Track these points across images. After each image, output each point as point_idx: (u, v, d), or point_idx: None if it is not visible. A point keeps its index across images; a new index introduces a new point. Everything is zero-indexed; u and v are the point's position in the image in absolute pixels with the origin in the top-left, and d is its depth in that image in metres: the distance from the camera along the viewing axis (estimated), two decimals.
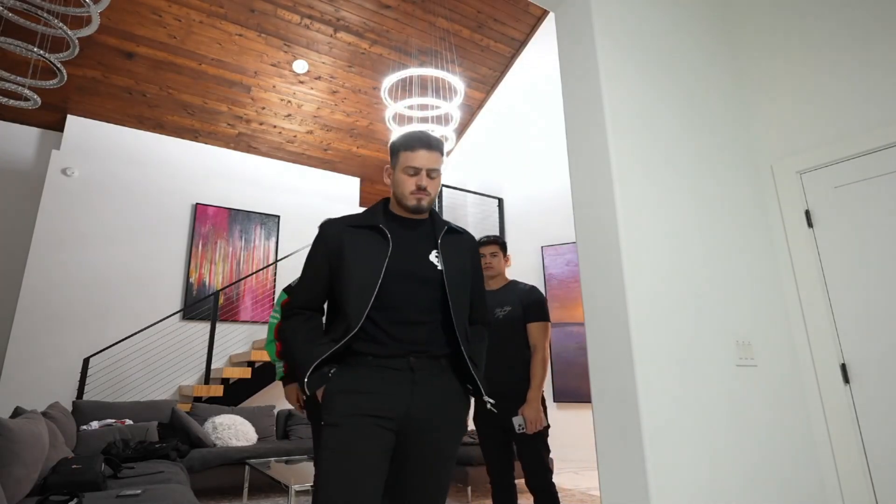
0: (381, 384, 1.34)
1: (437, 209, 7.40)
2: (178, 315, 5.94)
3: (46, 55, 3.48)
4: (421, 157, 1.44)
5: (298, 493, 4.05)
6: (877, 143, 2.11)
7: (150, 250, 5.95)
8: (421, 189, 1.44)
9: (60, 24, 3.31)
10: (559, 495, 2.21)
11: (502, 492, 2.24)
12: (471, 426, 6.91)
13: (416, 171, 1.44)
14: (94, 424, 4.06)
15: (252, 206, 6.75)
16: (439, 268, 1.44)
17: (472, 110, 7.75)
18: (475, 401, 1.56)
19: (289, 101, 6.72)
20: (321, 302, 1.48)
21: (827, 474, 2.09)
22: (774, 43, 2.52)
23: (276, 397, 6.26)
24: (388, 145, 1.53)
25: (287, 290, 2.61)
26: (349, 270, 1.38)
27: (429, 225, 1.52)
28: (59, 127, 6.12)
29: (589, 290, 1.81)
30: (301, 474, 3.19)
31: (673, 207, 1.96)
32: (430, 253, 1.47)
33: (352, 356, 1.36)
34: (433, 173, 1.46)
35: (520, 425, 2.14)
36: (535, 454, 2.17)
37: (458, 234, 1.55)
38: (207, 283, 6.19)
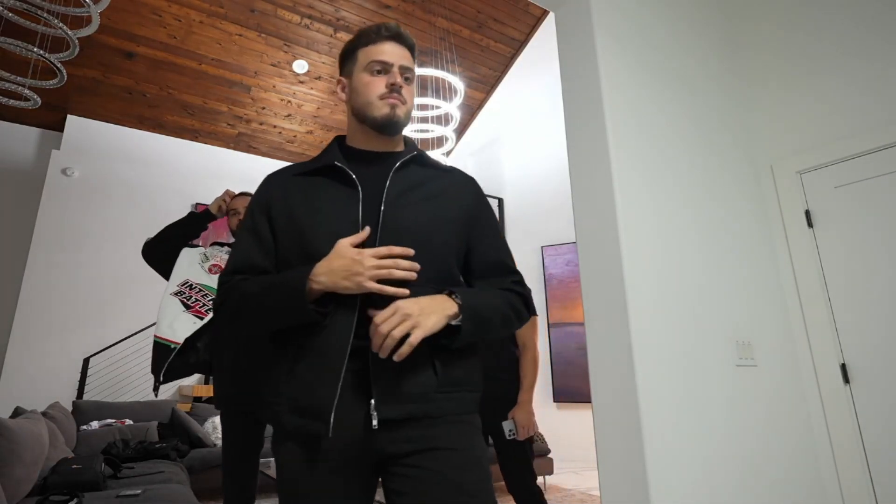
0: None
1: None
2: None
3: (46, 55, 3.48)
4: (389, 51, 1.05)
5: None
6: (877, 142, 2.11)
7: None
8: (394, 90, 1.03)
9: (60, 24, 3.31)
10: (559, 495, 2.16)
11: None
12: None
13: (385, 68, 1.04)
14: (94, 424, 4.06)
15: None
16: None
17: (472, 110, 7.75)
18: None
19: (289, 101, 6.72)
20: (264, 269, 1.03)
21: (827, 474, 2.09)
22: (775, 42, 2.52)
23: None
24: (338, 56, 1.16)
25: (190, 222, 2.36)
26: (305, 235, 0.98)
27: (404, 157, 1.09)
28: (59, 127, 6.12)
29: (589, 290, 1.81)
30: None
31: (673, 207, 1.96)
32: None
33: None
34: (408, 74, 1.06)
35: (510, 431, 1.96)
36: (524, 464, 2.00)
37: (438, 171, 1.12)
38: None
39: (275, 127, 6.95)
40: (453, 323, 0.93)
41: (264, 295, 0.96)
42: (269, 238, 1.02)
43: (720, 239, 2.10)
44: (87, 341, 5.41)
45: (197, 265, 2.19)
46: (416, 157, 1.10)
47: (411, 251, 0.94)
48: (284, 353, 0.98)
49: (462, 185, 1.12)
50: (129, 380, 5.52)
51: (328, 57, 6.40)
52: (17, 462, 2.05)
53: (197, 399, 5.20)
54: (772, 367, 2.09)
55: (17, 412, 3.03)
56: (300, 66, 6.38)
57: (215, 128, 6.71)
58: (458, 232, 1.06)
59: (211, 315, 2.05)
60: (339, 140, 1.14)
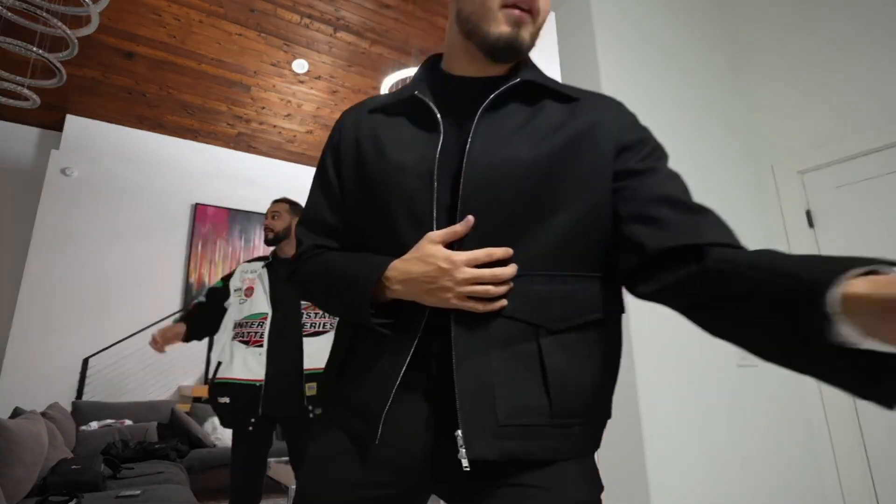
0: None
1: None
2: (177, 315, 5.93)
3: (46, 55, 3.48)
4: None
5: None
6: (879, 142, 2.10)
7: (150, 250, 5.94)
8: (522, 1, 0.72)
9: (60, 24, 3.31)
10: None
11: None
12: None
13: None
14: (94, 425, 4.06)
15: (252, 206, 6.74)
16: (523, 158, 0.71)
17: None
18: None
19: (289, 101, 6.71)
20: (337, 236, 0.85)
21: (828, 475, 2.08)
22: (776, 42, 2.51)
23: None
24: None
25: (223, 279, 2.33)
26: (372, 195, 0.77)
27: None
28: (58, 127, 6.12)
29: None
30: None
31: None
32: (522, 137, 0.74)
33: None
34: None
35: None
36: None
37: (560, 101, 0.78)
38: (207, 284, 6.18)
39: (274, 127, 6.94)
40: None
41: (327, 289, 0.79)
42: (337, 191, 0.83)
43: None
44: (86, 341, 5.40)
45: (236, 306, 2.22)
46: (528, 84, 0.77)
47: (510, 251, 0.68)
48: (344, 332, 0.82)
49: (601, 120, 0.75)
50: (129, 380, 5.51)
51: (328, 56, 6.39)
52: (16, 462, 2.04)
53: (196, 399, 5.20)
54: (772, 368, 2.08)
55: (17, 412, 3.02)
56: (300, 65, 6.37)
57: (215, 127, 6.71)
58: (595, 194, 0.72)
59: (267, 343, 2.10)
60: (435, 61, 0.87)
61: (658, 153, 0.78)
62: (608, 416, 0.75)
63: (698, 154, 2.16)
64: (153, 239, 5.99)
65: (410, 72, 4.82)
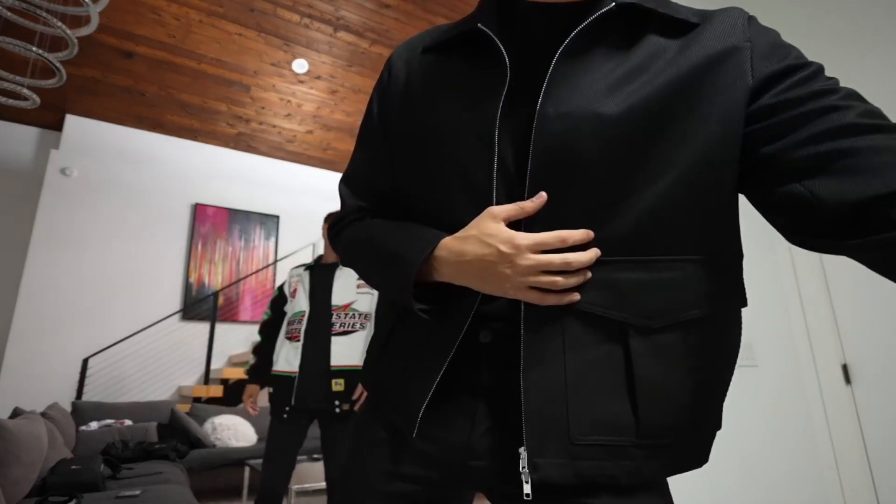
0: None
1: None
2: (177, 315, 5.93)
3: (45, 55, 3.47)
4: None
5: (298, 493, 4.04)
6: None
7: (150, 250, 5.94)
8: None
9: (59, 24, 3.31)
10: None
11: None
12: None
13: None
14: (94, 425, 4.05)
15: (252, 206, 6.74)
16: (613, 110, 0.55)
17: None
18: None
19: (288, 101, 6.71)
20: (382, 199, 0.74)
21: (828, 476, 2.08)
22: None
23: None
24: None
25: (279, 287, 2.52)
26: (424, 155, 0.65)
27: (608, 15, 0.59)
28: (57, 126, 6.12)
29: None
30: (301, 475, 3.18)
31: None
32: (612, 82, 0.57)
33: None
34: None
35: None
36: None
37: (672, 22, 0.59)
38: (207, 284, 6.18)
39: (274, 126, 6.94)
40: None
41: (370, 262, 0.69)
42: (383, 145, 0.71)
43: None
44: (86, 341, 5.40)
45: (288, 306, 2.47)
46: (626, 9, 0.58)
47: (591, 234, 0.55)
48: (388, 311, 0.72)
49: (725, 51, 0.56)
50: (129, 380, 5.51)
51: (328, 56, 6.39)
52: (15, 463, 2.04)
53: (196, 400, 5.19)
54: (773, 368, 2.08)
55: (16, 413, 3.02)
56: (300, 65, 6.37)
57: (215, 127, 6.70)
58: (712, 153, 0.55)
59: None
60: None
61: (818, 76, 0.56)
62: (718, 426, 0.61)
63: None
64: (153, 239, 5.99)
65: None
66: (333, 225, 0.77)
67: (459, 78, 0.63)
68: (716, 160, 0.54)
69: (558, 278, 0.54)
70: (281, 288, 2.51)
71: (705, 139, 0.54)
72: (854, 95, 0.57)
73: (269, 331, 2.48)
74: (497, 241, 0.55)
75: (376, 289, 0.71)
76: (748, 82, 0.55)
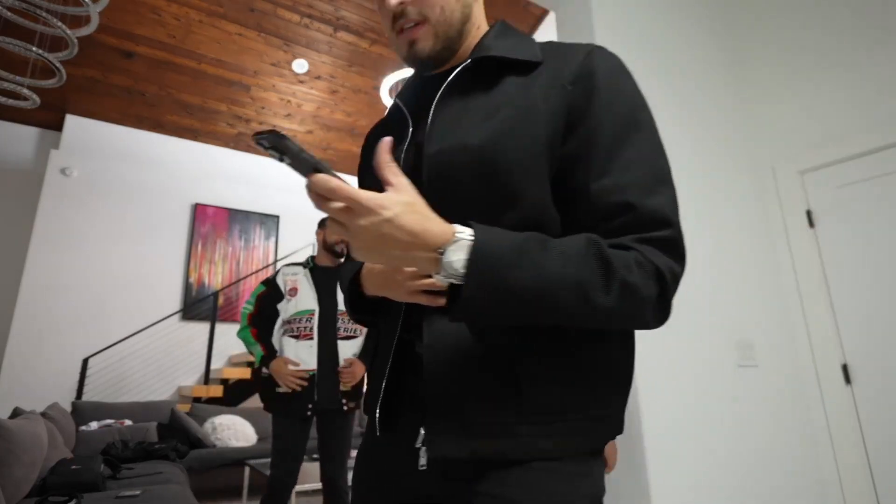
0: None
1: None
2: (177, 315, 5.93)
3: (45, 55, 3.47)
4: None
5: (298, 493, 4.04)
6: (879, 142, 2.10)
7: (150, 250, 5.94)
8: (397, 22, 0.75)
9: (59, 24, 3.30)
10: None
11: None
12: None
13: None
14: (94, 425, 4.05)
15: (252, 206, 6.74)
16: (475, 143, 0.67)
17: None
18: None
19: (288, 101, 6.71)
20: None
21: (828, 475, 2.08)
22: (776, 42, 2.51)
23: None
24: None
25: (265, 282, 2.50)
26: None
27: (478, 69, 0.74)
28: (58, 126, 6.11)
29: None
30: (301, 474, 3.18)
31: None
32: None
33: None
34: None
35: None
36: None
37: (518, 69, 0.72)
38: (207, 284, 6.18)
39: (274, 127, 6.94)
40: (454, 281, 0.56)
41: (344, 290, 0.82)
42: None
43: (722, 239, 2.10)
44: (86, 341, 5.40)
45: (283, 303, 2.45)
46: (480, 61, 0.72)
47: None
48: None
49: (556, 72, 0.68)
50: (129, 380, 5.51)
51: (328, 56, 6.39)
52: (15, 463, 2.04)
53: (196, 400, 5.19)
54: (773, 368, 2.08)
55: (16, 413, 3.02)
56: (300, 65, 6.37)
57: (215, 127, 6.70)
58: (544, 158, 0.65)
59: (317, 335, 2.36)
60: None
61: (611, 124, 0.66)
62: (607, 407, 0.67)
63: (699, 155, 2.16)
64: (153, 239, 5.99)
65: (410, 72, 4.81)
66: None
67: (391, 134, 0.73)
68: (548, 190, 0.66)
69: (438, 281, 0.58)
70: (273, 284, 2.45)
71: (538, 169, 0.65)
72: (631, 168, 0.65)
73: (264, 324, 2.45)
74: None
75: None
76: (563, 119, 0.66)
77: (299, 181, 7.47)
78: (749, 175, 2.39)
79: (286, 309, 2.41)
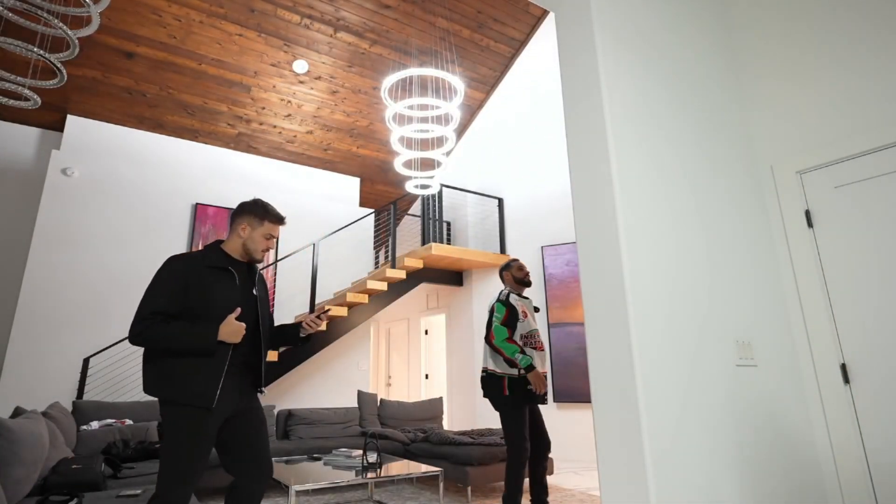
0: None
1: (437, 209, 7.41)
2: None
3: (46, 55, 3.48)
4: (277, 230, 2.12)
5: (299, 493, 4.04)
6: (877, 142, 2.11)
7: (151, 250, 5.95)
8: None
9: (60, 24, 3.31)
10: (559, 495, 2.57)
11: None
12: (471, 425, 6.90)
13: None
14: (94, 424, 4.06)
15: None
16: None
17: (472, 110, 7.75)
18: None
19: (289, 101, 6.72)
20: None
21: (827, 474, 2.09)
22: (775, 42, 2.52)
23: (277, 397, 6.26)
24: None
25: (505, 303, 3.11)
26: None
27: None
28: (59, 127, 6.13)
29: (589, 290, 1.81)
30: (301, 474, 3.18)
31: (673, 207, 1.96)
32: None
33: None
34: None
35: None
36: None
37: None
38: None
39: (275, 127, 6.95)
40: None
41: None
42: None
43: (720, 239, 2.10)
44: (86, 341, 5.41)
45: (521, 323, 3.18)
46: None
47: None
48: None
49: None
50: (129, 380, 5.52)
51: (328, 57, 6.40)
52: (17, 462, 2.05)
53: None
54: (772, 368, 2.09)
55: (17, 412, 3.03)
56: (300, 66, 6.38)
57: (215, 128, 6.71)
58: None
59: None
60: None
61: None
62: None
63: (698, 155, 2.16)
64: (154, 239, 6.00)
65: (410, 72, 4.82)
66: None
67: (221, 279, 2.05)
68: None
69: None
70: (511, 305, 3.14)
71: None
72: None
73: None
74: (237, 326, 1.91)
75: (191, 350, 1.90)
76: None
77: (299, 181, 7.48)
78: (748, 175, 2.40)
79: (523, 328, 3.10)
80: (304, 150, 7.40)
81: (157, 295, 1.84)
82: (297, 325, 2.16)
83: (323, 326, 2.45)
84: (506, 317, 3.08)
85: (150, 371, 1.84)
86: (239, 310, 1.91)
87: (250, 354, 2.01)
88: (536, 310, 3.32)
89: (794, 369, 2.20)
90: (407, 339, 8.66)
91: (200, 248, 6.18)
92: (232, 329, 1.88)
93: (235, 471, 1.95)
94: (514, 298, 3.16)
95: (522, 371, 2.95)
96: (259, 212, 2.05)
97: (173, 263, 1.92)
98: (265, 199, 6.85)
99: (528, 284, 3.25)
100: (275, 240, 2.11)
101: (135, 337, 1.80)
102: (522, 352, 2.97)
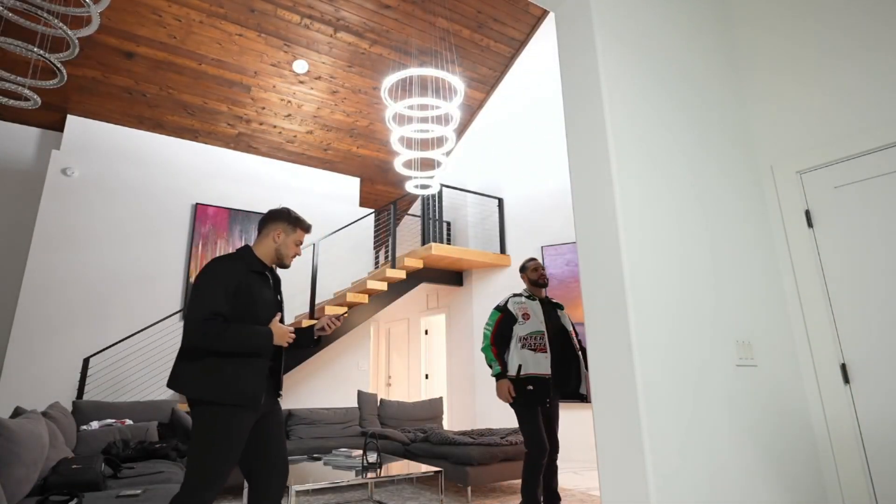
0: None
1: (437, 209, 7.41)
2: (178, 315, 5.94)
3: (46, 55, 3.48)
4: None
5: (299, 493, 4.04)
6: (877, 143, 2.11)
7: (150, 250, 5.95)
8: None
9: (60, 24, 3.31)
10: (560, 494, 2.68)
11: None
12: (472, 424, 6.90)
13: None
14: (94, 424, 4.06)
15: (252, 206, 6.75)
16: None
17: (472, 110, 7.75)
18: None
19: (289, 101, 6.72)
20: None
21: (827, 474, 2.09)
22: (775, 42, 2.52)
23: None
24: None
25: (500, 309, 3.15)
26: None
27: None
28: (59, 127, 6.13)
29: (589, 290, 1.81)
30: (301, 474, 3.18)
31: (673, 207, 1.96)
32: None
33: None
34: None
35: None
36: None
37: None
38: None
39: (275, 127, 6.95)
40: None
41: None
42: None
43: (720, 238, 2.10)
44: (87, 341, 5.41)
45: (519, 326, 3.17)
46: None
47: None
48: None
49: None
50: (129, 380, 5.52)
51: (328, 57, 6.40)
52: (17, 462, 2.05)
53: None
54: (772, 367, 2.09)
55: (17, 412, 3.03)
56: (300, 66, 6.38)
57: (215, 128, 6.71)
58: None
59: None
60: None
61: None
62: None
63: (698, 155, 2.16)
64: (154, 239, 6.00)
65: (410, 72, 4.82)
66: None
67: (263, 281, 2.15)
68: None
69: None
70: (503, 311, 3.16)
71: None
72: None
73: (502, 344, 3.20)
74: (285, 330, 2.02)
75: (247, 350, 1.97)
76: None
77: (299, 181, 7.49)
78: (748, 175, 2.40)
79: (522, 329, 3.09)
80: (304, 150, 7.40)
81: (216, 295, 1.88)
82: (309, 328, 2.22)
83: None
84: (497, 322, 3.13)
85: (192, 370, 1.85)
86: (280, 314, 2.00)
87: (273, 358, 2.06)
88: (559, 307, 3.31)
89: (794, 369, 2.20)
90: (407, 339, 8.66)
91: (201, 248, 6.20)
92: (281, 332, 1.98)
93: (256, 469, 1.97)
94: (513, 302, 3.18)
95: (513, 375, 3.02)
96: (292, 220, 2.16)
97: (222, 265, 1.97)
98: (265, 198, 6.87)
99: (543, 285, 3.26)
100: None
101: (203, 336, 1.81)
102: (498, 360, 3.06)
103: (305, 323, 5.72)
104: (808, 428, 2.14)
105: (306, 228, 2.20)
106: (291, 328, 2.02)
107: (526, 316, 3.12)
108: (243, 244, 6.58)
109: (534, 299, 3.21)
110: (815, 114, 2.33)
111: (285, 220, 2.15)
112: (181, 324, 5.94)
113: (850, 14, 2.29)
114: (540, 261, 3.32)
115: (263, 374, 1.91)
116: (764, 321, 2.15)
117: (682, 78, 2.24)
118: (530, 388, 2.96)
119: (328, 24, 6.07)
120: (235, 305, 1.92)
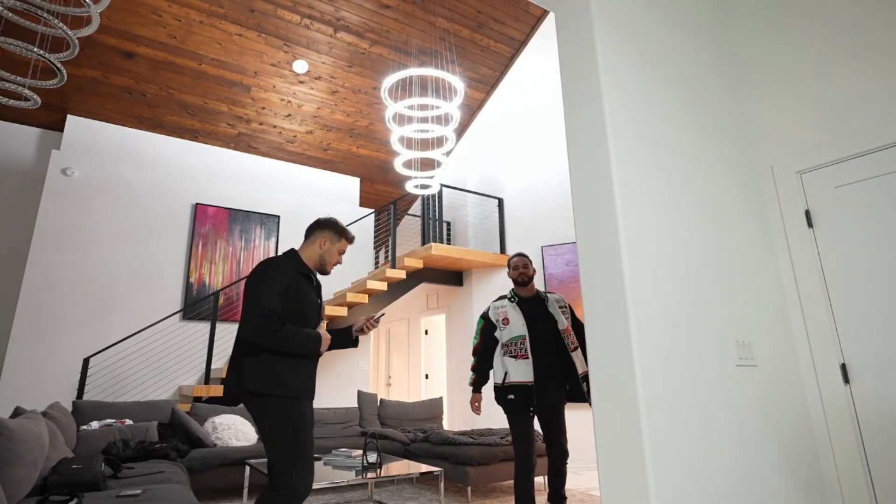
0: None
1: (437, 209, 7.42)
2: (178, 315, 5.94)
3: (46, 55, 3.48)
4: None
5: None
6: (877, 143, 2.11)
7: (150, 250, 5.95)
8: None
9: (60, 24, 3.31)
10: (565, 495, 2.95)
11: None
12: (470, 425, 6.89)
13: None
14: (94, 424, 4.06)
15: (252, 206, 6.75)
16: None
17: (472, 110, 7.75)
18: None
19: (289, 101, 6.72)
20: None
21: (827, 474, 2.09)
22: (775, 42, 2.52)
23: None
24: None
25: (483, 315, 3.10)
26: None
27: None
28: (59, 127, 6.13)
29: (589, 290, 1.81)
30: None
31: (673, 207, 1.96)
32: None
33: None
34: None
35: None
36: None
37: None
38: (207, 283, 6.19)
39: (275, 127, 6.95)
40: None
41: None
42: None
43: (720, 239, 2.10)
44: (87, 341, 5.41)
45: (499, 332, 3.05)
46: None
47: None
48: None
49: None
50: (129, 380, 5.52)
51: (328, 57, 6.40)
52: (17, 462, 2.05)
53: (197, 399, 5.20)
54: (772, 367, 2.09)
55: (18, 412, 3.03)
56: (300, 66, 6.38)
57: (215, 128, 6.71)
58: None
59: None
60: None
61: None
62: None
63: (698, 154, 2.16)
64: (154, 239, 6.00)
65: (410, 72, 4.81)
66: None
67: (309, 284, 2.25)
68: None
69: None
70: (486, 318, 3.08)
71: None
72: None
73: (486, 354, 3.11)
74: (327, 336, 2.14)
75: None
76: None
77: (299, 181, 7.49)
78: (748, 175, 2.40)
79: (501, 335, 2.99)
80: (304, 150, 7.40)
81: (271, 294, 1.98)
82: (347, 329, 2.34)
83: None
84: (482, 331, 3.08)
85: (255, 366, 1.95)
86: (325, 322, 2.11)
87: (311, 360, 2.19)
88: (559, 303, 3.08)
89: (794, 369, 2.20)
90: (407, 339, 8.66)
91: (201, 248, 6.20)
92: (325, 339, 2.12)
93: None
94: (494, 308, 3.07)
95: (500, 382, 2.95)
96: (338, 229, 2.27)
97: (275, 266, 2.07)
98: (265, 198, 6.87)
99: (523, 284, 3.05)
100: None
101: (259, 332, 1.91)
102: (475, 372, 3.07)
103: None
104: (808, 428, 2.14)
105: (350, 239, 2.29)
106: (329, 337, 2.16)
107: (505, 321, 2.98)
108: (243, 244, 6.61)
109: (514, 300, 3.04)
110: (815, 113, 2.33)
111: (332, 229, 2.25)
112: (182, 323, 5.94)
113: (850, 14, 2.29)
114: (527, 256, 3.11)
115: (314, 373, 2.07)
116: (764, 321, 2.15)
117: (682, 78, 2.24)
118: (511, 396, 2.87)
119: (328, 24, 6.07)
120: (285, 306, 2.01)
